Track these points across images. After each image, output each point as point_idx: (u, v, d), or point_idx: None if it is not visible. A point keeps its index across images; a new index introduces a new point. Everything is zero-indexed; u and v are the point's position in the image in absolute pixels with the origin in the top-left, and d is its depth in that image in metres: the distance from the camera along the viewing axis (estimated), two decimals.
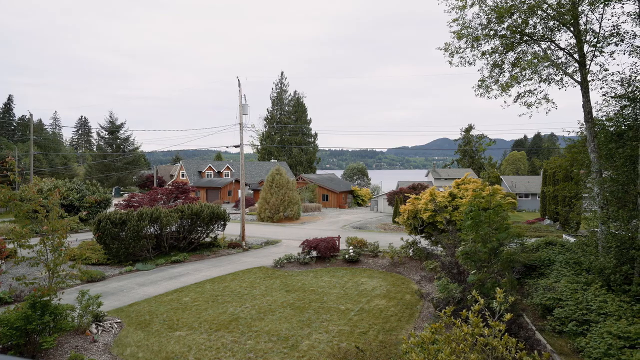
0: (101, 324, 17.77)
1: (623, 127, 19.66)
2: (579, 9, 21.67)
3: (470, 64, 24.88)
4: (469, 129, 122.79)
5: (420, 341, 8.54)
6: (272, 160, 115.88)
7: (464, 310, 8.64)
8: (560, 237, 32.15)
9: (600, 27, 21.49)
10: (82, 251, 30.14)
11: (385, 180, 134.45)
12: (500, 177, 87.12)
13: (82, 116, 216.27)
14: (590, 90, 21.92)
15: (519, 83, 24.41)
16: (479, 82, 25.48)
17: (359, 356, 13.84)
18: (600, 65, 21.94)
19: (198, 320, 18.73)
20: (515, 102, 25.26)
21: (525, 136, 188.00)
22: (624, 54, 21.24)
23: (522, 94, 24.88)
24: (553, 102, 24.53)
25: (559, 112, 27.43)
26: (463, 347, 7.95)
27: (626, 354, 13.30)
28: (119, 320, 18.60)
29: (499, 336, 8.00)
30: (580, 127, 23.16)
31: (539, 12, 22.57)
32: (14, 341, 14.09)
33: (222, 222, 36.24)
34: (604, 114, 20.75)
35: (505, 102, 25.33)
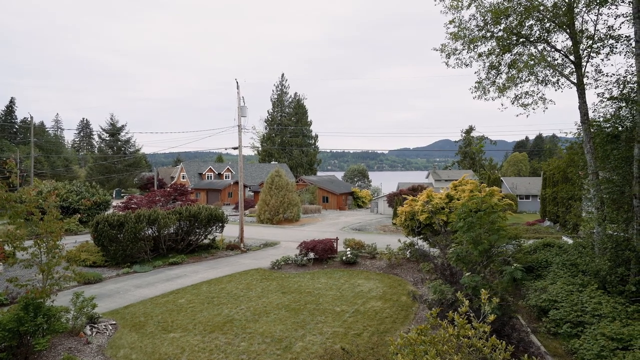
0: (95, 325, 17.78)
1: (620, 129, 19.63)
2: (575, 10, 21.69)
3: (467, 65, 24.90)
4: (470, 130, 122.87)
5: (407, 342, 8.52)
6: (273, 162, 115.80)
7: (450, 312, 8.62)
8: (559, 238, 32.11)
9: (595, 28, 21.53)
10: (77, 253, 30.19)
11: (386, 182, 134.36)
12: (501, 178, 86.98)
13: (83, 118, 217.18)
14: (586, 91, 21.94)
15: (515, 85, 24.46)
16: (476, 84, 25.53)
17: (345, 357, 13.82)
18: (596, 69, 21.98)
19: (193, 322, 18.73)
20: (512, 104, 25.30)
21: (526, 137, 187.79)
22: (619, 55, 21.25)
23: (520, 96, 24.93)
24: (551, 101, 24.59)
25: (561, 113, 27.49)
26: (447, 348, 7.94)
27: (618, 356, 13.27)
28: (113, 322, 18.61)
29: (484, 337, 7.98)
30: (578, 129, 23.15)
31: (535, 13, 22.57)
32: (6, 343, 14.08)
33: (220, 224, 36.21)
34: (601, 115, 20.74)
35: (502, 104, 25.34)
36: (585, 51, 22.07)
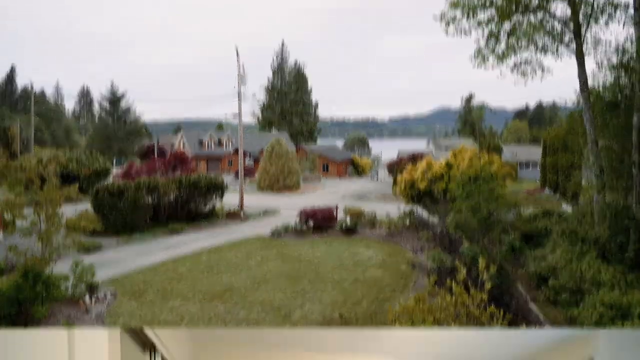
0: (95, 294, 17.79)
1: (619, 97, 19.48)
2: None
3: (465, 33, 24.54)
4: (470, 98, 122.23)
5: (406, 311, 8.52)
6: (273, 131, 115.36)
7: (447, 280, 8.60)
8: (559, 206, 32.13)
9: None
10: (77, 221, 30.16)
11: (386, 150, 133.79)
12: (501, 146, 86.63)
13: (84, 85, 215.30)
14: (585, 59, 21.70)
15: (515, 53, 24.17)
16: (476, 52, 25.20)
17: (344, 325, 13.89)
18: (594, 38, 21.77)
19: (192, 290, 18.78)
20: (512, 72, 25.03)
21: (527, 106, 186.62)
22: (618, 23, 20.99)
23: (519, 64, 24.66)
24: (549, 71, 24.38)
25: (559, 83, 27.12)
26: (445, 316, 7.93)
27: (617, 324, 13.30)
28: (113, 290, 18.63)
29: (481, 306, 7.97)
30: (577, 97, 22.95)
31: None
32: (5, 311, 14.12)
33: (220, 192, 36.20)
34: (600, 83, 20.57)
35: (501, 72, 25.07)
36: (585, 19, 21.80)
